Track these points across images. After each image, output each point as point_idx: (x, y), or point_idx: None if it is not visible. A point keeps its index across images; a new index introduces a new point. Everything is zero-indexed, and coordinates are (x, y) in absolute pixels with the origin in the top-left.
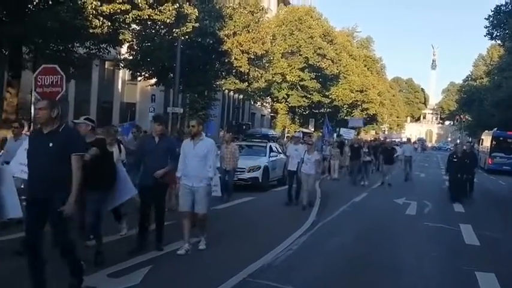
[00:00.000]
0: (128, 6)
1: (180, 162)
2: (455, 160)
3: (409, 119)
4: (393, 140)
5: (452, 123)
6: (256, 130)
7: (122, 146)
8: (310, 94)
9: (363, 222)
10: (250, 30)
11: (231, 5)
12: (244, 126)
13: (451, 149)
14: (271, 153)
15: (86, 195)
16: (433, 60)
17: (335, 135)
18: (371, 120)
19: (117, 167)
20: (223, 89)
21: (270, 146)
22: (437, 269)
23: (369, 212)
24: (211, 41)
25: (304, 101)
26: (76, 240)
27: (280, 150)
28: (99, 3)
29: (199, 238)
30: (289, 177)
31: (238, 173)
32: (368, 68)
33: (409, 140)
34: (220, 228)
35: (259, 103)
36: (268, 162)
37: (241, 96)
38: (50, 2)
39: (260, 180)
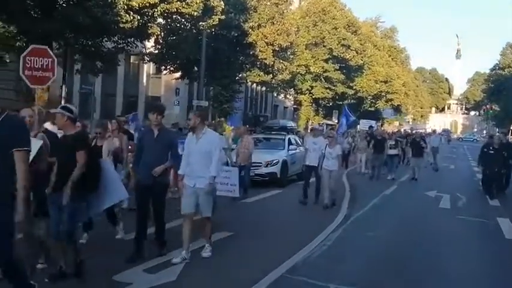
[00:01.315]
0: (157, 0)
1: (183, 159)
2: (492, 152)
3: (433, 109)
4: (419, 130)
5: (478, 113)
6: (274, 122)
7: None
8: (334, 85)
9: (397, 216)
10: (274, 22)
11: None
12: (261, 118)
13: (478, 140)
14: (290, 146)
15: (59, 197)
16: (457, 50)
17: (358, 126)
18: (395, 111)
19: (104, 165)
20: (248, 81)
21: (289, 138)
22: (481, 265)
23: (401, 206)
24: (236, 34)
25: (328, 93)
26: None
27: (300, 143)
28: None
29: (205, 243)
30: (306, 173)
31: (255, 167)
32: (392, 59)
33: (434, 131)
34: (249, 223)
35: (282, 95)
36: (287, 156)
37: (263, 89)
38: None
39: (278, 176)
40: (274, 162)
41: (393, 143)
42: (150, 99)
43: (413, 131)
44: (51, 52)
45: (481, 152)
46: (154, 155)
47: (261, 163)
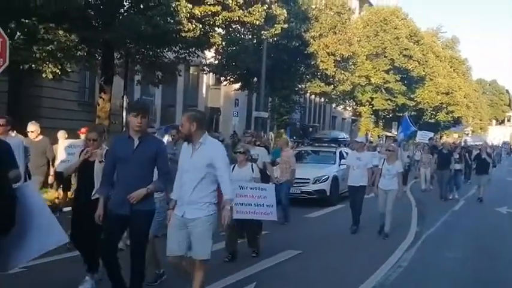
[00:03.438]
0: (219, 8)
1: (177, 179)
2: None
3: (493, 122)
4: (477, 143)
5: None
6: (324, 133)
7: None
8: (394, 97)
9: (471, 234)
10: (336, 32)
11: (317, 6)
12: (310, 129)
13: None
14: (342, 161)
15: None
16: None
17: (418, 138)
18: (454, 123)
19: (24, 193)
20: (308, 92)
21: (340, 151)
22: None
23: (473, 223)
24: (296, 44)
25: (388, 104)
26: None
27: None
28: (191, 5)
29: None
30: (351, 195)
31: (302, 184)
32: (454, 70)
33: None
34: (315, 241)
35: (341, 106)
36: (338, 172)
37: (321, 100)
38: (142, 6)
39: (328, 193)
40: (323, 178)
41: (457, 156)
42: (209, 110)
43: (468, 144)
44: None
45: None
46: (133, 172)
47: (308, 179)
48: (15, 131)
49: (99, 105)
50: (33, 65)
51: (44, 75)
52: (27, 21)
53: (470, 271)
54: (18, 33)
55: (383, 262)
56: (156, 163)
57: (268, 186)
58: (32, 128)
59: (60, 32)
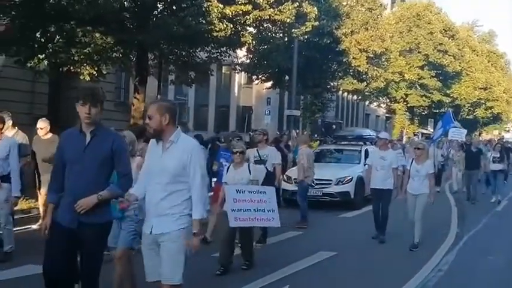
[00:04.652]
0: (250, 7)
1: (140, 180)
2: None
3: None
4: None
5: None
6: (348, 130)
7: None
8: (430, 93)
9: None
10: (368, 28)
11: (348, 2)
12: (333, 126)
13: None
14: (366, 160)
15: None
16: None
17: (451, 135)
18: (494, 119)
19: None
20: (341, 89)
21: (366, 150)
22: None
23: None
24: (328, 41)
25: (423, 101)
26: None
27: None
28: (222, 5)
29: None
30: (374, 198)
31: (324, 186)
32: (492, 64)
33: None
34: (348, 245)
35: (375, 104)
36: (363, 172)
37: (354, 97)
38: (174, 8)
39: (352, 196)
40: (347, 179)
41: (497, 155)
42: (241, 109)
43: (506, 140)
44: None
45: None
46: (83, 175)
47: (330, 180)
48: (16, 128)
49: (133, 105)
50: (71, 67)
51: (81, 77)
52: (66, 25)
53: None
54: (57, 37)
55: (422, 265)
56: (111, 164)
57: (268, 189)
58: (41, 124)
59: (97, 35)
